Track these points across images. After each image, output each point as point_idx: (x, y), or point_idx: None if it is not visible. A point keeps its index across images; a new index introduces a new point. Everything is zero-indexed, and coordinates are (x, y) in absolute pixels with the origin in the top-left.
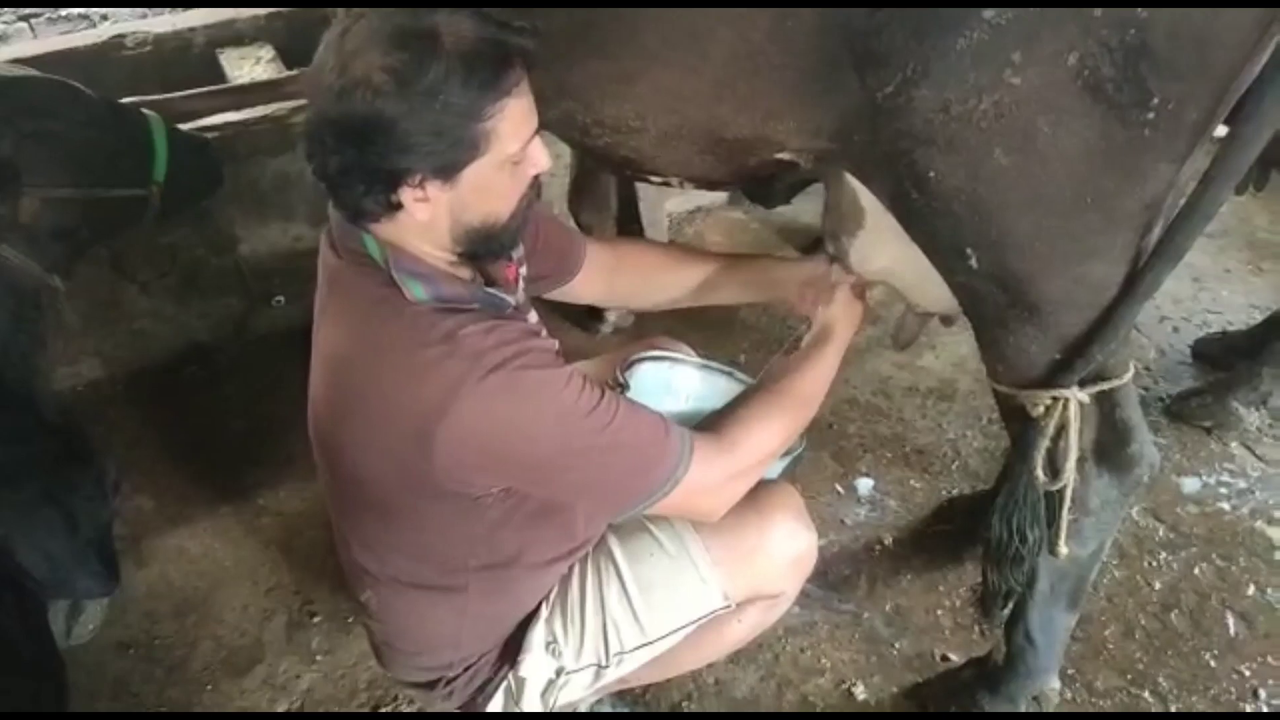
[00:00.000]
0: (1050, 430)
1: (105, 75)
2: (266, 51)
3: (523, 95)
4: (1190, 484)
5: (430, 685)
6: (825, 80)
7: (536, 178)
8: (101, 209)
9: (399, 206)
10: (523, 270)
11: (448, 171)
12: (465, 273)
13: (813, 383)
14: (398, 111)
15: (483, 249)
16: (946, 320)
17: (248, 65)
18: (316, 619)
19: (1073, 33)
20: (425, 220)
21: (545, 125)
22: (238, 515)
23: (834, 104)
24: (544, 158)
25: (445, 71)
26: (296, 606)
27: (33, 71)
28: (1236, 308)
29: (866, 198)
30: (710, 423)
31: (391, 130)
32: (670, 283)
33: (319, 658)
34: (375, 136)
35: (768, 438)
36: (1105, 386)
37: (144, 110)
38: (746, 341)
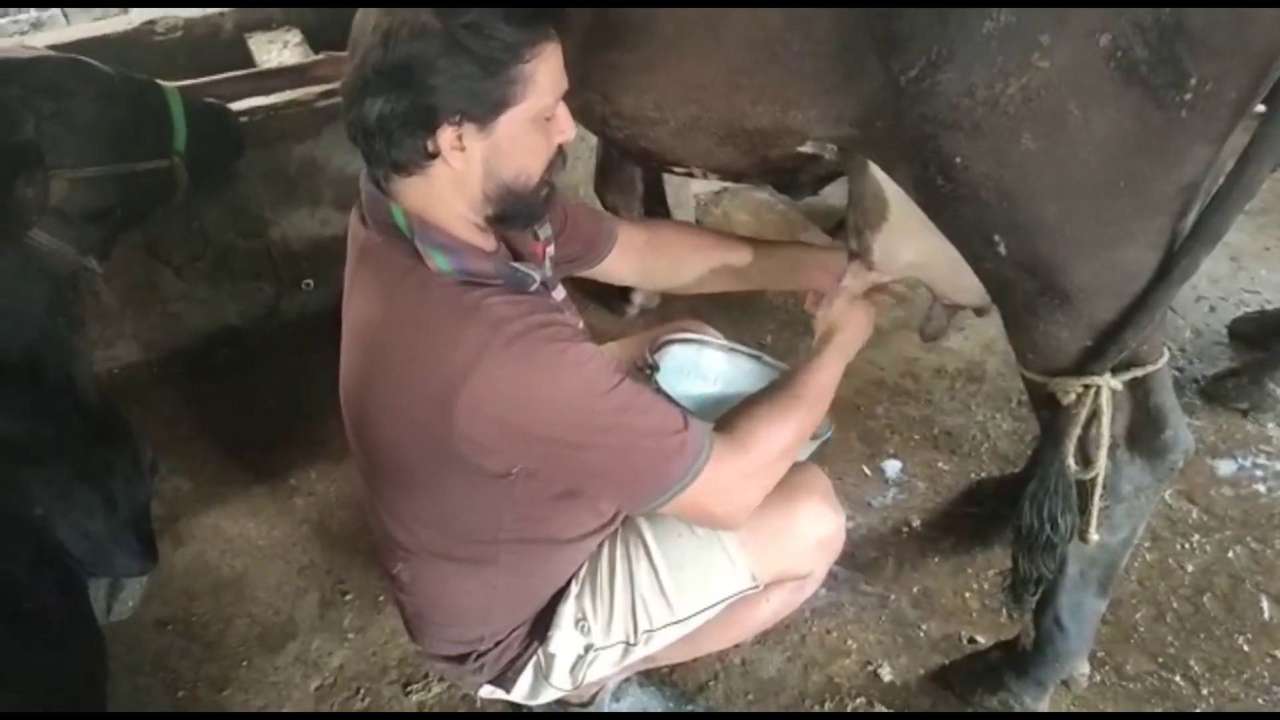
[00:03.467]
0: (1082, 418)
1: (137, 60)
2: (294, 36)
3: (558, 48)
4: (1225, 466)
5: (460, 659)
6: (846, 66)
7: (562, 148)
8: (131, 186)
9: (435, 155)
10: (550, 250)
11: (487, 115)
12: (491, 243)
13: (818, 385)
14: (442, 46)
15: (512, 211)
16: (980, 311)
17: (275, 50)
18: (348, 597)
19: (1104, 13)
20: (460, 171)
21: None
22: (271, 496)
23: (856, 90)
24: (571, 126)
25: (488, 9)
26: (329, 585)
27: (45, 51)
28: (1275, 287)
29: (890, 190)
30: (722, 423)
31: (435, 64)
32: (701, 266)
33: (351, 635)
34: (419, 72)
35: (778, 439)
36: (1139, 373)
37: (158, 81)
38: (773, 323)
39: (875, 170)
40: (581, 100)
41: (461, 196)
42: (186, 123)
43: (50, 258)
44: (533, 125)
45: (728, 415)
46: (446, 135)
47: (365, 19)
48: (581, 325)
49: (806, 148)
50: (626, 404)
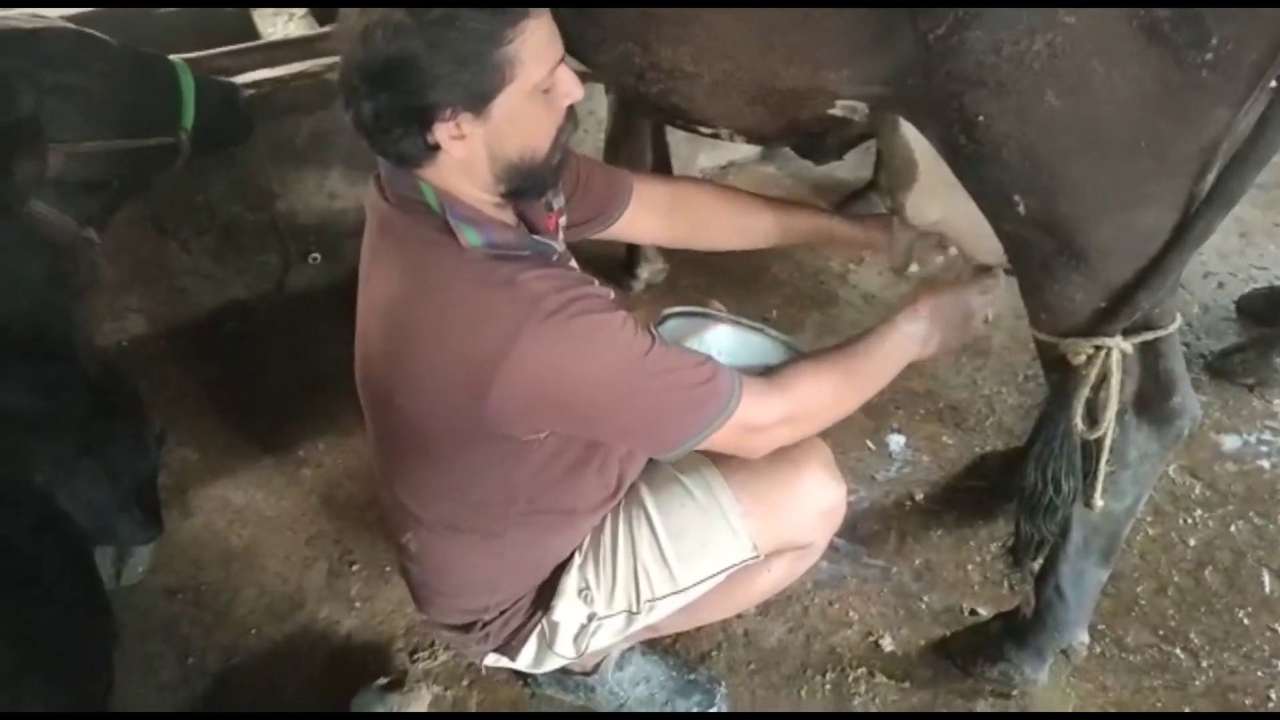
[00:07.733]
0: (1091, 379)
1: (141, 32)
2: (299, 8)
3: (542, 19)
4: (1230, 441)
5: (466, 628)
6: (876, 26)
7: (573, 108)
8: (131, 159)
9: (436, 147)
10: (562, 220)
11: (478, 102)
12: (511, 218)
13: (878, 361)
14: (419, 44)
15: (526, 185)
16: (1010, 271)
17: (281, 22)
18: (356, 567)
19: None
20: (463, 158)
21: (601, 68)
22: (279, 467)
23: (886, 49)
24: (576, 86)
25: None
26: (336, 555)
27: (55, 21)
28: None
29: (919, 150)
30: (768, 371)
31: (416, 64)
32: (724, 226)
33: (358, 605)
34: (402, 73)
35: (821, 392)
36: (1150, 336)
37: (170, 57)
38: (777, 298)
39: (905, 131)
40: (620, 51)
41: (472, 181)
42: (196, 99)
43: (49, 228)
44: (530, 100)
45: (777, 366)
46: (444, 129)
47: (349, 12)
48: (612, 294)
49: (836, 110)
50: (659, 366)
